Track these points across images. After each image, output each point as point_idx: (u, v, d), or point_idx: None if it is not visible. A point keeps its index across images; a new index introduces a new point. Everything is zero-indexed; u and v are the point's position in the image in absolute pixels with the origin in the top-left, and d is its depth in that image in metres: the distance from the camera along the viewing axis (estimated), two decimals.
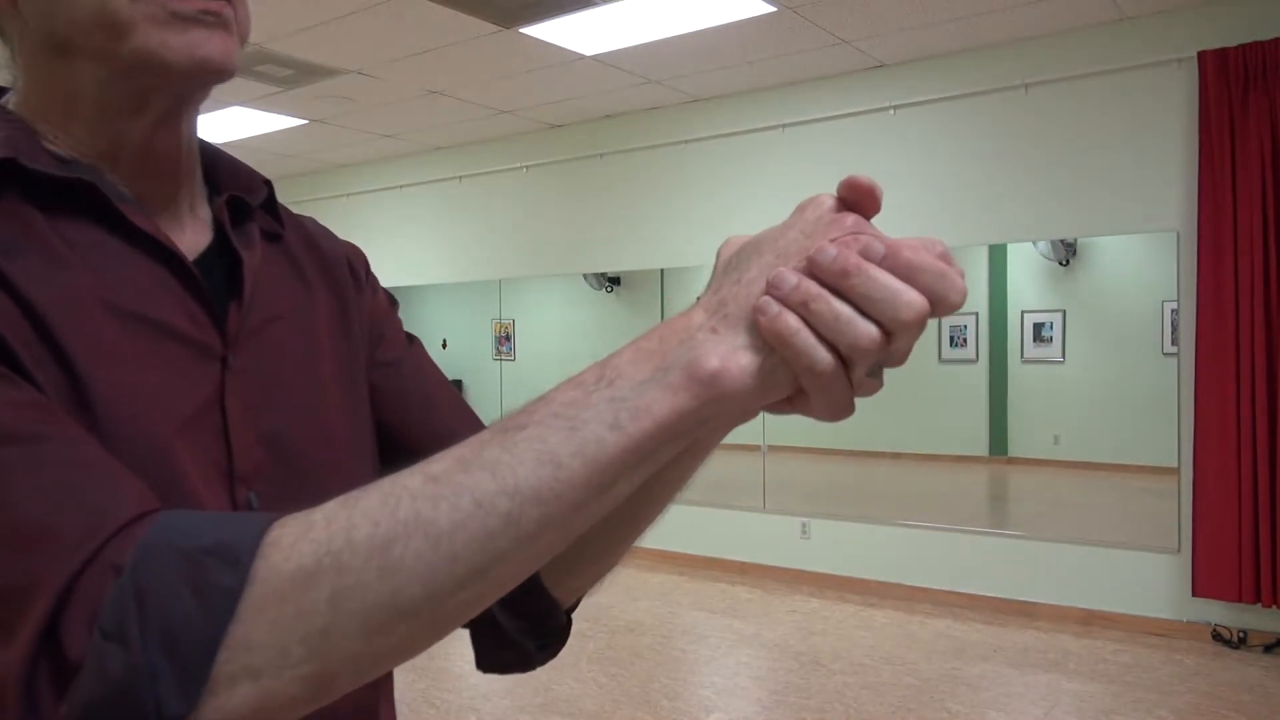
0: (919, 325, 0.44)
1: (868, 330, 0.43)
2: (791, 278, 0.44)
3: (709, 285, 0.48)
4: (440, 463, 0.44)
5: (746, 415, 0.48)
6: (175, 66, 0.57)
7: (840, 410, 0.46)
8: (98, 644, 0.40)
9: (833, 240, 0.45)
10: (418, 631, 0.43)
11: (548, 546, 0.44)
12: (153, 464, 0.53)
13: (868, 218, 0.47)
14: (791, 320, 0.43)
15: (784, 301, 0.44)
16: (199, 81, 0.60)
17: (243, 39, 0.61)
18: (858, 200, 0.47)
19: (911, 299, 0.43)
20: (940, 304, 0.44)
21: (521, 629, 0.71)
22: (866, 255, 0.44)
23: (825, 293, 0.43)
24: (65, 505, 0.44)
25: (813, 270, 0.44)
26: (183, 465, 0.56)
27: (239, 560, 0.42)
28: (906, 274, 0.44)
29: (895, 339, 0.44)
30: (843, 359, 0.44)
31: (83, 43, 0.57)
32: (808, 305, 0.43)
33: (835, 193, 0.48)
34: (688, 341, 0.45)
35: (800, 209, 0.48)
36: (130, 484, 0.47)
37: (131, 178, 0.62)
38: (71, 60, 0.58)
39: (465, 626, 0.72)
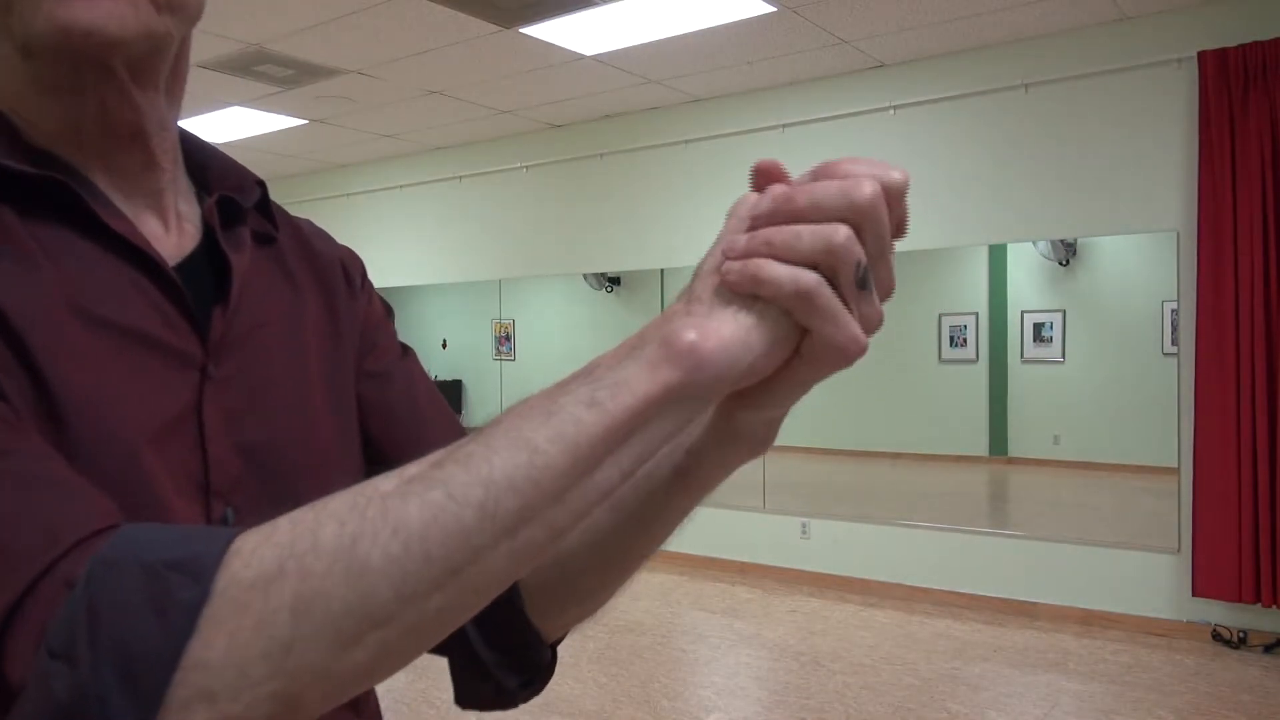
0: (878, 207, 0.43)
1: (834, 227, 0.43)
2: (741, 237, 0.45)
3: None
4: (416, 465, 0.42)
5: (762, 443, 0.51)
6: (41, 38, 0.53)
7: (849, 340, 0.45)
8: (43, 663, 0.38)
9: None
10: (391, 643, 0.40)
11: (529, 545, 0.41)
12: (122, 475, 0.51)
13: None
14: (760, 261, 0.43)
15: (746, 252, 0.44)
16: (77, 52, 0.54)
17: (166, 3, 0.56)
18: (768, 181, 0.48)
19: (858, 182, 0.43)
20: (888, 183, 0.44)
21: (502, 663, 0.68)
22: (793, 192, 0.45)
23: (780, 226, 0.44)
24: (20, 521, 0.42)
25: (755, 223, 0.45)
26: (154, 477, 0.53)
27: (201, 573, 0.38)
28: (841, 174, 0.44)
29: (866, 233, 0.44)
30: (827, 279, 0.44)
31: None
32: (770, 242, 0.44)
33: (751, 185, 0.49)
34: (663, 323, 0.44)
35: (729, 213, 0.49)
36: (93, 500, 0.44)
37: (103, 163, 0.59)
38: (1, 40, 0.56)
39: (442, 655, 0.69)
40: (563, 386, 0.43)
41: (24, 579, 0.40)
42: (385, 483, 0.41)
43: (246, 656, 0.38)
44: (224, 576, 0.39)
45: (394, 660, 0.41)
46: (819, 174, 0.45)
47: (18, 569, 0.40)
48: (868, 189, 0.43)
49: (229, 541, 0.40)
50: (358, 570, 0.39)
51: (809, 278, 0.43)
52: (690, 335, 0.42)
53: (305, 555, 0.39)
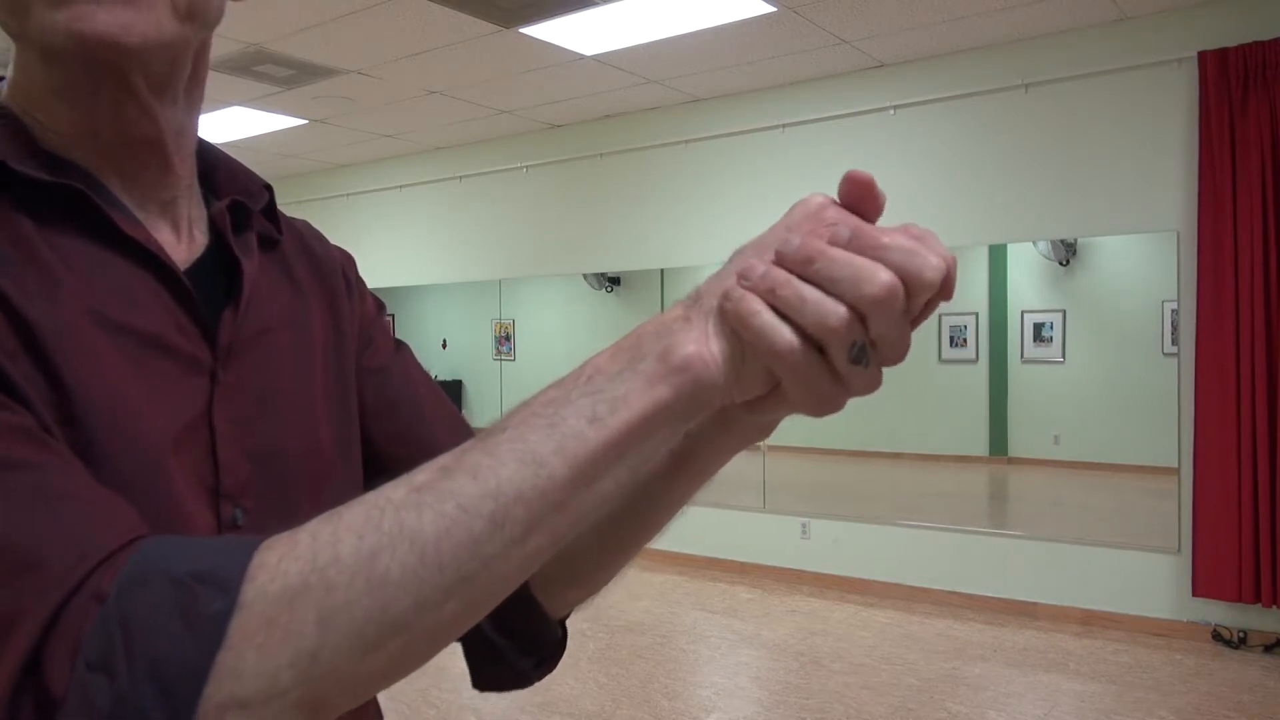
0: (889, 303, 0.42)
1: (834, 309, 0.42)
2: (760, 266, 0.44)
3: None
4: (424, 473, 0.43)
5: (762, 431, 0.50)
6: (57, 46, 0.53)
7: (823, 402, 0.45)
8: (81, 675, 0.39)
9: (808, 232, 0.45)
10: (409, 647, 0.42)
11: (536, 551, 0.43)
12: (143, 481, 0.52)
13: (870, 218, 0.46)
14: (753, 302, 0.43)
15: (751, 289, 0.44)
16: (95, 62, 0.54)
17: (187, 12, 0.55)
18: (859, 196, 0.46)
19: (875, 273, 0.42)
20: (914, 280, 0.43)
21: (514, 646, 0.70)
22: (833, 241, 0.44)
23: (792, 278, 0.43)
24: (51, 535, 0.42)
25: (780, 260, 0.44)
26: (173, 482, 0.54)
27: (228, 585, 0.40)
28: (873, 253, 0.43)
29: (871, 321, 0.43)
30: (819, 347, 0.44)
31: (10, 27, 0.54)
32: (775, 291, 0.43)
33: (837, 190, 0.47)
34: (663, 333, 0.45)
35: (792, 208, 0.48)
36: (120, 513, 0.46)
37: (119, 168, 0.59)
38: (20, 45, 0.56)
39: (455, 642, 0.72)
40: (564, 393, 0.44)
41: (58, 596, 0.41)
42: (395, 491, 0.43)
43: (276, 665, 0.39)
44: (250, 589, 0.40)
45: (411, 662, 0.43)
46: (856, 236, 0.43)
47: (51, 584, 0.41)
48: (880, 284, 0.42)
49: (251, 553, 0.42)
50: (378, 582, 0.40)
51: (785, 342, 0.43)
52: (687, 350, 0.44)
53: (327, 569, 0.40)
